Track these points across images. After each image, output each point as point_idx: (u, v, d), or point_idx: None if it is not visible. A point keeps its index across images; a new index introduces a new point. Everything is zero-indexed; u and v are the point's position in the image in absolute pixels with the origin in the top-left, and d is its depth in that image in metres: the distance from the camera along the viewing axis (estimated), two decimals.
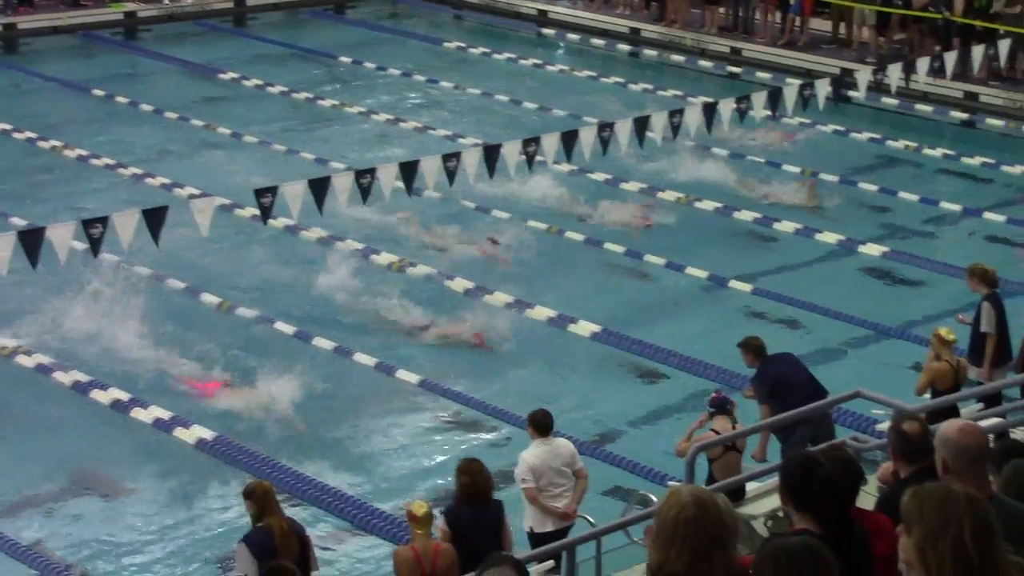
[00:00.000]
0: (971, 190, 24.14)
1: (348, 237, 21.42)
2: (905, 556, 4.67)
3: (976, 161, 25.48)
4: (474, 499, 11.01)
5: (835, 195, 23.65)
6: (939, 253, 20.79)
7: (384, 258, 20.85)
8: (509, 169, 17.90)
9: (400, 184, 17.36)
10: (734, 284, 19.89)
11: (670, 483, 12.68)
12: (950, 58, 21.93)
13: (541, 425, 12.30)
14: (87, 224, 15.27)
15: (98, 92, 29.37)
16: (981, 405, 13.27)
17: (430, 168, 17.55)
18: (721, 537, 5.43)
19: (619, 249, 21.16)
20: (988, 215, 22.69)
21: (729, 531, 5.54)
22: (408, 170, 17.31)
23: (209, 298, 19.53)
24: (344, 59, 32.65)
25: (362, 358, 17.76)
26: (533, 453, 12.22)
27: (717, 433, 12.57)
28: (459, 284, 19.95)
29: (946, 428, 6.07)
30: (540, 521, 12.25)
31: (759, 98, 19.93)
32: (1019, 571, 4.68)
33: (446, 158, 17.72)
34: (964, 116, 28.17)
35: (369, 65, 32.06)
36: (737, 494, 11.75)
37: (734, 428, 12.63)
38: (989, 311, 14.43)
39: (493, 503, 11.19)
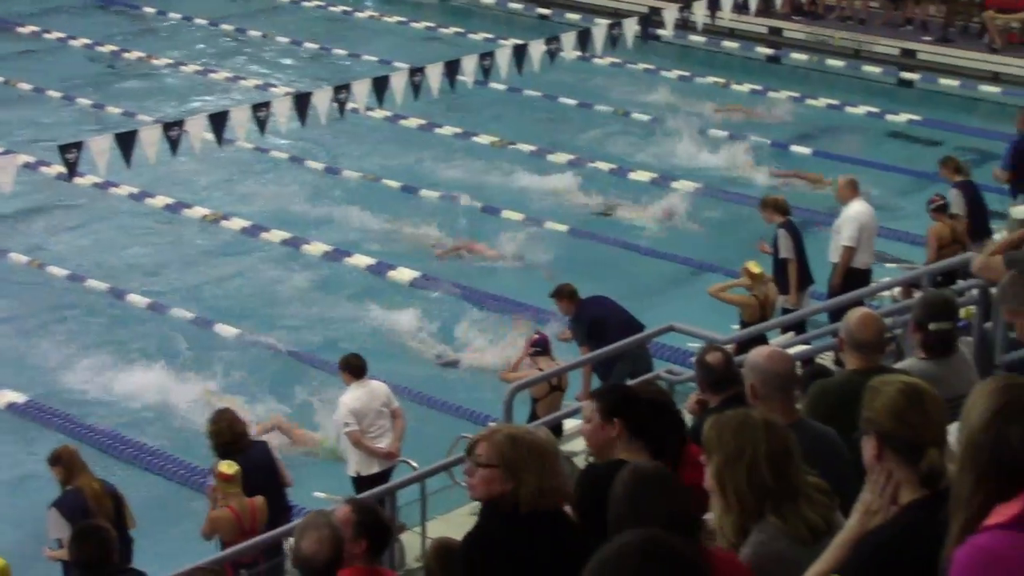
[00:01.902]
0: (778, 124, 24.55)
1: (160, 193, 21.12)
2: (707, 483, 4.78)
3: (782, 95, 25.94)
4: (233, 447, 10.92)
5: (647, 133, 23.88)
6: (747, 187, 21.14)
7: (193, 210, 20.62)
8: (320, 117, 17.72)
9: (210, 136, 17.11)
10: (549, 225, 20.01)
11: (490, 423, 12.76)
12: None
13: (356, 368, 12.37)
14: None
15: None
16: (791, 334, 13.56)
17: (240, 118, 17.30)
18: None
19: (434, 195, 21.15)
20: (794, 148, 23.14)
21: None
22: (218, 121, 17.02)
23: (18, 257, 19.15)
24: (149, 9, 31.95)
25: (180, 312, 17.55)
26: (352, 396, 12.29)
27: (541, 372, 12.71)
28: (276, 235, 19.79)
29: (754, 355, 6.20)
30: (366, 464, 12.34)
31: (568, 39, 19.99)
32: (819, 491, 4.82)
33: (256, 108, 17.47)
34: (769, 51, 28.64)
35: (175, 15, 31.44)
36: (555, 432, 11.88)
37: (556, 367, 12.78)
38: (786, 238, 14.80)
39: (255, 444, 11.13)
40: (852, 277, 14.73)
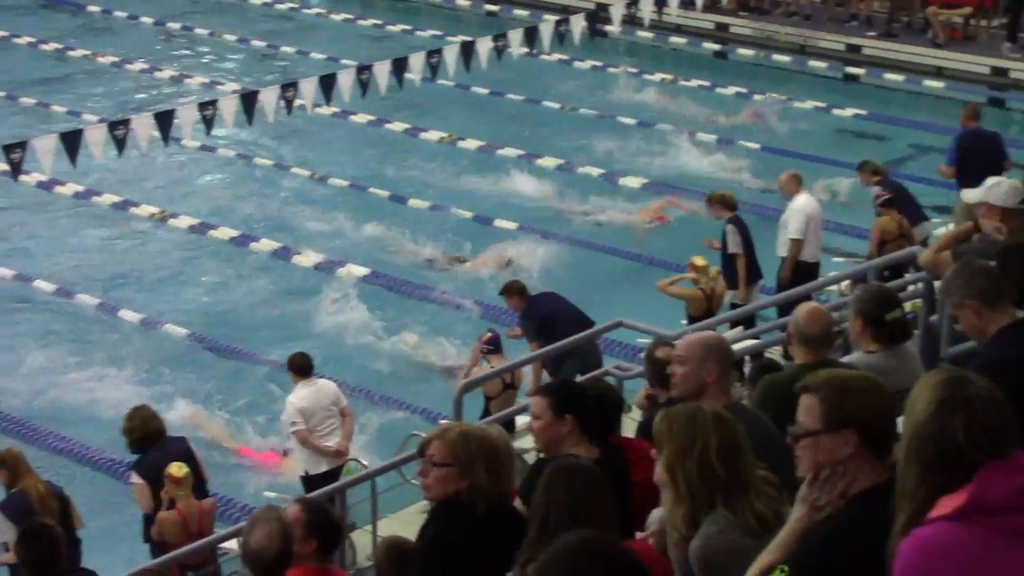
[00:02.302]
0: (726, 120, 24.61)
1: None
2: (658, 477, 4.80)
3: (729, 91, 26.03)
4: (151, 441, 10.84)
5: (596, 130, 23.92)
6: (698, 183, 21.19)
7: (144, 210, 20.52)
8: (268, 115, 17.66)
9: (156, 134, 17.03)
10: (499, 223, 19.98)
11: (441, 422, 12.77)
12: None
13: (301, 367, 12.39)
14: None
15: None
16: (741, 329, 13.63)
17: (187, 117, 17.23)
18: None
19: (383, 193, 21.11)
20: (742, 143, 23.20)
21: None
22: (164, 120, 16.94)
23: None
24: (93, 8, 31.70)
25: (128, 312, 17.44)
26: (299, 396, 12.28)
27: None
28: (224, 233, 19.69)
29: (708, 341, 6.24)
30: (314, 463, 12.32)
31: (516, 35, 20.01)
32: (768, 484, 4.84)
33: (203, 106, 17.40)
34: (716, 47, 28.72)
35: (120, 14, 31.19)
36: (507, 429, 11.87)
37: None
38: (734, 233, 14.88)
39: (172, 439, 11.07)
40: (800, 271, 14.83)
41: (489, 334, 13.62)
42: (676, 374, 6.11)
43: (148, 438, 10.77)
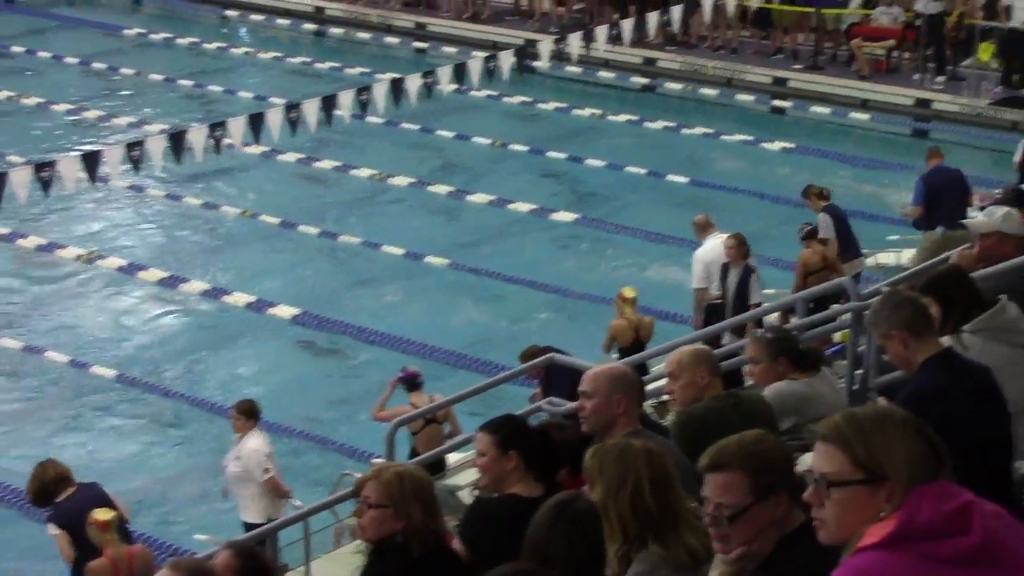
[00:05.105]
0: (655, 154, 24.73)
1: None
2: None
3: (658, 125, 26.17)
4: (54, 491, 10.59)
5: (524, 165, 23.97)
6: (626, 217, 21.28)
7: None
8: (196, 154, 17.58)
9: (83, 175, 16.91)
10: (429, 259, 19.95)
11: (373, 460, 12.71)
12: (627, 25, 22.49)
13: (253, 412, 12.23)
14: None
15: None
16: None
17: (114, 157, 17.13)
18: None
19: (313, 231, 21.03)
20: (671, 177, 23.29)
21: None
22: (91, 160, 16.84)
23: None
24: (17, 49, 31.40)
25: (55, 355, 17.26)
26: (262, 441, 12.15)
27: (415, 407, 12.61)
28: (152, 274, 19.56)
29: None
30: (276, 506, 12.17)
31: (445, 72, 20.07)
32: (698, 517, 4.84)
33: (130, 146, 17.32)
34: (644, 81, 28.88)
35: (44, 54, 30.92)
36: (438, 466, 11.82)
37: (430, 401, 12.66)
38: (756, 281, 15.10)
39: (84, 485, 10.81)
40: (713, 313, 14.97)
41: (405, 371, 13.46)
42: (585, 408, 6.09)
43: (45, 489, 10.56)
